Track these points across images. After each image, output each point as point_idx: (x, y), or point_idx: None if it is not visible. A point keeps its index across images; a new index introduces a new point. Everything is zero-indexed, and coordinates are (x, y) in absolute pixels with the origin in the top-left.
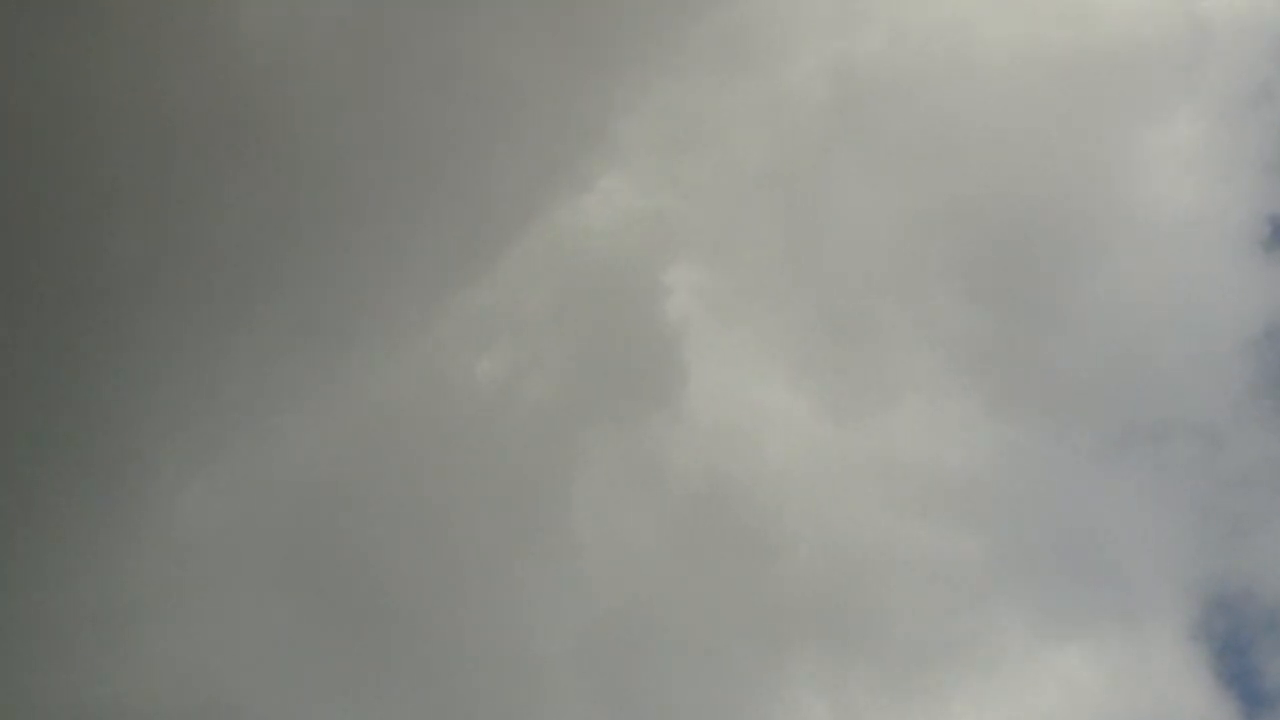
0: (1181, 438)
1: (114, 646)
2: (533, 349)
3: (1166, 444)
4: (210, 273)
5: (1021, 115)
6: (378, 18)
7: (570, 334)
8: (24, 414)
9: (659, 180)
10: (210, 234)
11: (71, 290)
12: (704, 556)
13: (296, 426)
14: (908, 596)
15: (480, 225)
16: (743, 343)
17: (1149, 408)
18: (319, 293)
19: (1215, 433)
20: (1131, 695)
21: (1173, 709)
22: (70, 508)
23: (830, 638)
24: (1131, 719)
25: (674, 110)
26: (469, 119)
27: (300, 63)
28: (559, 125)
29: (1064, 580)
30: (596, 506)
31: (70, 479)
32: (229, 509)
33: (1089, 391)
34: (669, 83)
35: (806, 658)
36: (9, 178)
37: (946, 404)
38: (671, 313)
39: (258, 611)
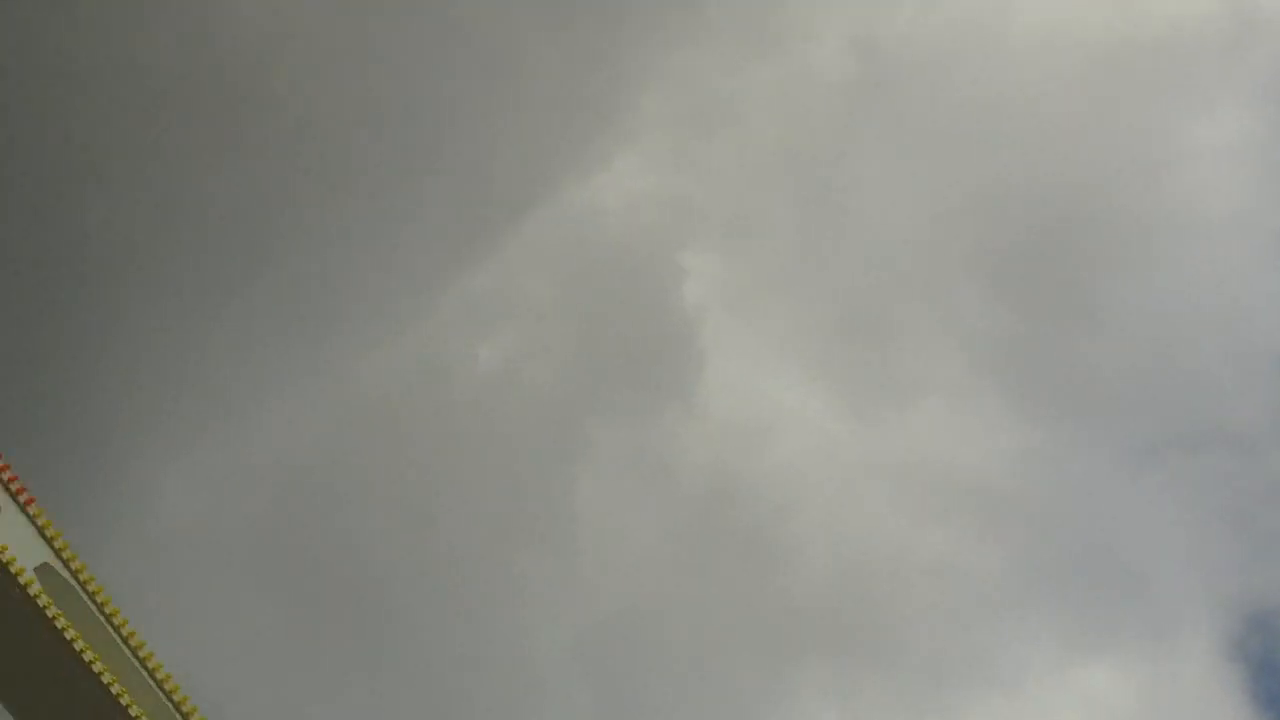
0: (1216, 446)
1: None
2: (538, 335)
3: (1200, 452)
4: (194, 252)
5: (1055, 101)
6: None
7: (578, 319)
8: None
9: (675, 159)
10: (195, 211)
11: (47, 272)
12: (711, 558)
13: (282, 413)
14: (924, 606)
15: (484, 204)
16: (758, 334)
17: (1182, 414)
18: (309, 273)
19: (1252, 442)
20: (1161, 716)
21: None
22: (43, 497)
23: (841, 647)
24: None
25: (692, 86)
26: (473, 92)
27: (293, 32)
28: (569, 100)
29: (1090, 593)
30: (600, 503)
31: (42, 467)
32: (210, 499)
33: (1120, 395)
34: (686, 57)
35: (815, 668)
36: None
37: (969, 405)
38: (688, 299)
39: (240, 607)
